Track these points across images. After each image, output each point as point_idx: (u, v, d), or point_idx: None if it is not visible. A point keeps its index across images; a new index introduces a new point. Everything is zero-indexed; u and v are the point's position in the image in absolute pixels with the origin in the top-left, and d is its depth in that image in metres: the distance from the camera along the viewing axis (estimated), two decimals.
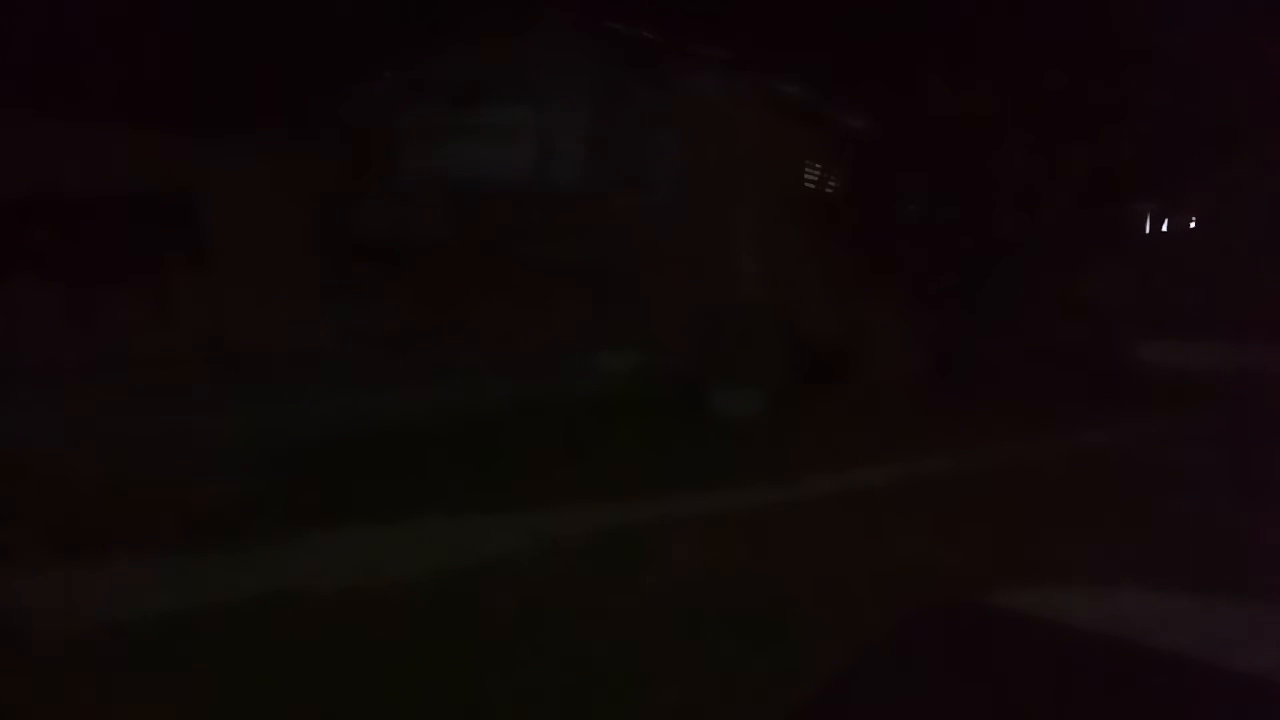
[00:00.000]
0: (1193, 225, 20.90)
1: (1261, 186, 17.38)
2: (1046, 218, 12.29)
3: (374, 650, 4.10)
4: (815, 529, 6.01)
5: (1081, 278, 13.15)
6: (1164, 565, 4.94)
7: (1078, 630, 1.67)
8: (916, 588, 4.68)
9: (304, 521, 5.68)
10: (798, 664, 3.74)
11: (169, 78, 10.92)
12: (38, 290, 9.76)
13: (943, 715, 1.62)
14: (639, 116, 12.04)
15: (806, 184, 13.47)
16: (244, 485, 6.33)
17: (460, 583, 4.94)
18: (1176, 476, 7.31)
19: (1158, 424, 9.76)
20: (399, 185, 12.85)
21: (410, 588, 4.84)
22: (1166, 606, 1.94)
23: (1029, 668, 1.63)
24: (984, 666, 1.67)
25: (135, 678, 3.85)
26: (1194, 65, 12.00)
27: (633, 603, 4.68)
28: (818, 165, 13.53)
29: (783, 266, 11.67)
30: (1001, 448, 8.46)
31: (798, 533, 5.94)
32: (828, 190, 13.76)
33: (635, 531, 5.80)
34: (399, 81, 12.84)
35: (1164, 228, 20.78)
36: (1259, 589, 4.48)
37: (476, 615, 4.55)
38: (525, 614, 4.54)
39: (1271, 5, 12.02)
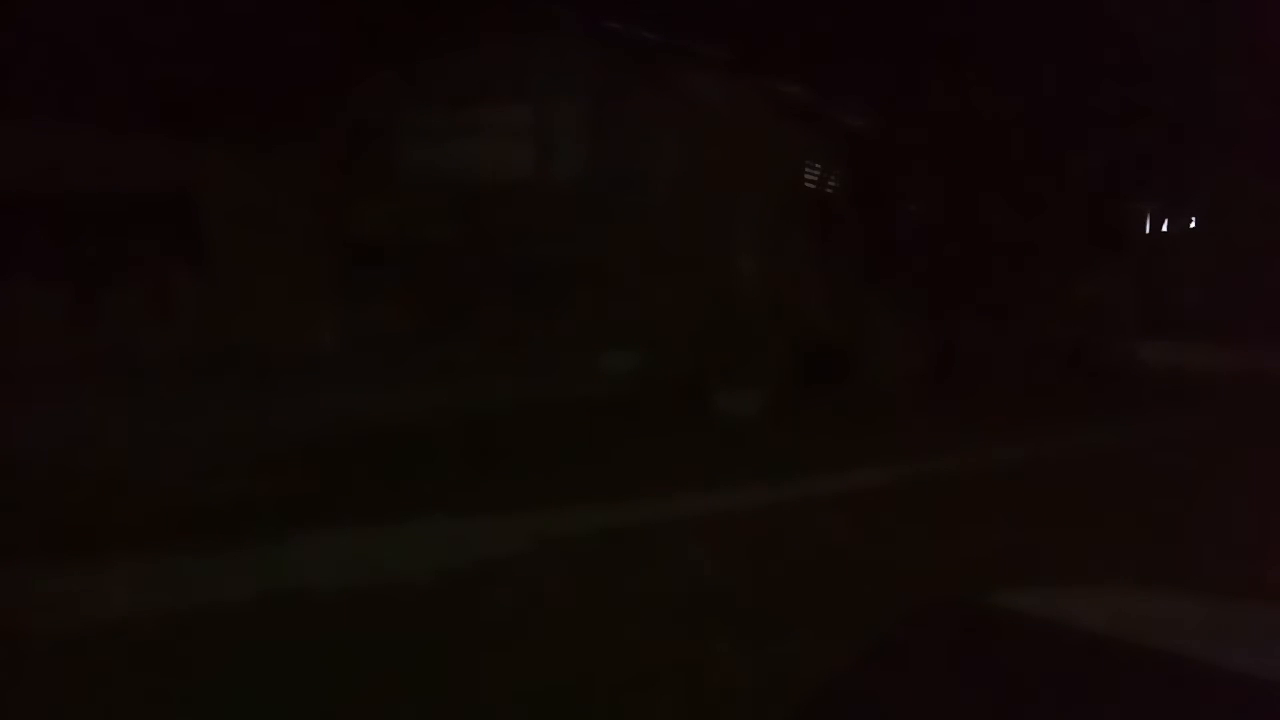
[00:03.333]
0: (1193, 226, 20.91)
1: (1262, 187, 17.38)
2: (1047, 218, 12.29)
3: (374, 650, 4.10)
4: (815, 529, 6.01)
5: (1082, 278, 13.15)
6: (1164, 565, 4.94)
7: (1078, 630, 1.66)
8: (916, 587, 4.68)
9: (304, 521, 5.68)
10: (798, 664, 3.74)
11: (169, 78, 10.91)
12: (38, 290, 9.76)
13: (943, 715, 1.61)
14: (639, 117, 12.04)
15: (807, 184, 13.46)
16: (244, 485, 6.33)
17: (460, 583, 4.94)
18: (1176, 476, 7.30)
19: (1158, 423, 9.76)
20: (399, 185, 12.83)
21: (410, 588, 4.84)
22: (1166, 606, 1.93)
23: (1029, 668, 1.62)
24: (984, 666, 1.66)
25: (135, 678, 3.84)
26: (1194, 66, 12.00)
27: (633, 603, 4.68)
28: (818, 165, 13.53)
29: (783, 267, 11.67)
30: (1001, 448, 8.45)
31: (798, 532, 5.94)
32: (828, 191, 13.76)
33: (635, 531, 5.80)
34: (399, 81, 12.83)
35: (1164, 228, 20.79)
36: (1259, 589, 4.48)
37: (476, 615, 4.54)
38: (525, 614, 4.54)
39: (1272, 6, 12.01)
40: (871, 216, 12.73)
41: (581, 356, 10.45)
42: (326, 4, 11.96)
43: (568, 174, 12.27)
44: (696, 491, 6.74)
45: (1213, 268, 18.28)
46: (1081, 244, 13.04)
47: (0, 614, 4.38)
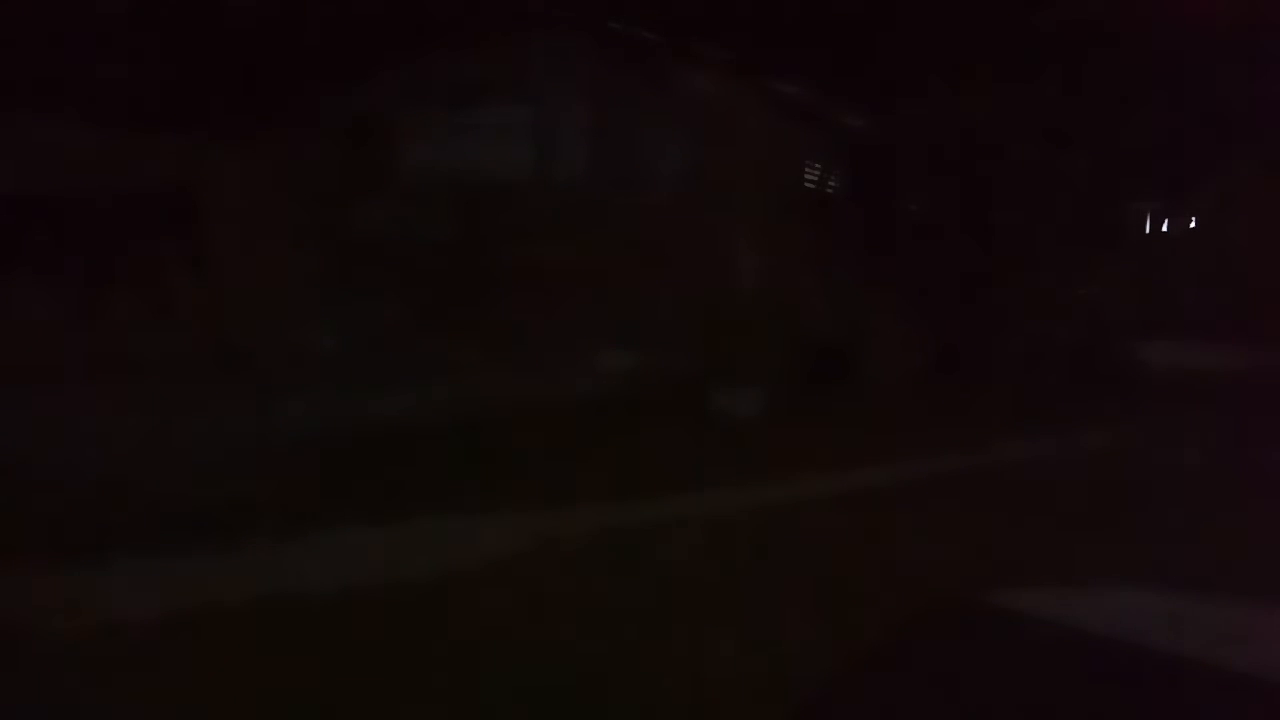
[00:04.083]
0: (1193, 226, 20.90)
1: (1262, 187, 17.37)
2: (1047, 217, 12.29)
3: (374, 650, 4.10)
4: (817, 529, 6.01)
5: (1082, 278, 13.15)
6: (1164, 565, 4.94)
7: (1078, 630, 1.67)
8: (918, 588, 4.68)
9: (304, 521, 5.68)
10: (800, 664, 3.74)
11: (168, 77, 10.90)
12: (38, 290, 9.75)
13: (944, 714, 1.62)
14: (639, 116, 12.04)
15: (807, 184, 13.46)
16: (244, 485, 6.33)
17: (460, 583, 4.94)
18: (1176, 476, 7.31)
19: (1159, 423, 9.76)
20: (399, 185, 12.83)
21: (410, 588, 4.84)
22: (1166, 606, 1.94)
23: (1030, 667, 1.63)
24: (985, 666, 1.67)
25: (134, 678, 3.85)
26: (1194, 66, 12.00)
27: (633, 603, 4.68)
28: (818, 165, 13.53)
29: (783, 266, 11.67)
30: (1002, 447, 8.45)
31: (799, 533, 5.94)
32: (828, 190, 13.76)
33: (635, 531, 5.80)
34: (399, 81, 12.82)
35: (1164, 228, 20.78)
36: (1259, 589, 4.48)
37: (476, 615, 4.54)
38: (525, 614, 4.54)
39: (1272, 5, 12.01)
40: (872, 216, 12.73)
41: (582, 356, 10.44)
42: (327, 4, 11.95)
43: (568, 174, 12.26)
44: (697, 491, 6.75)
45: (1213, 268, 18.26)
46: (1082, 244, 13.05)
47: (3, 613, 4.38)
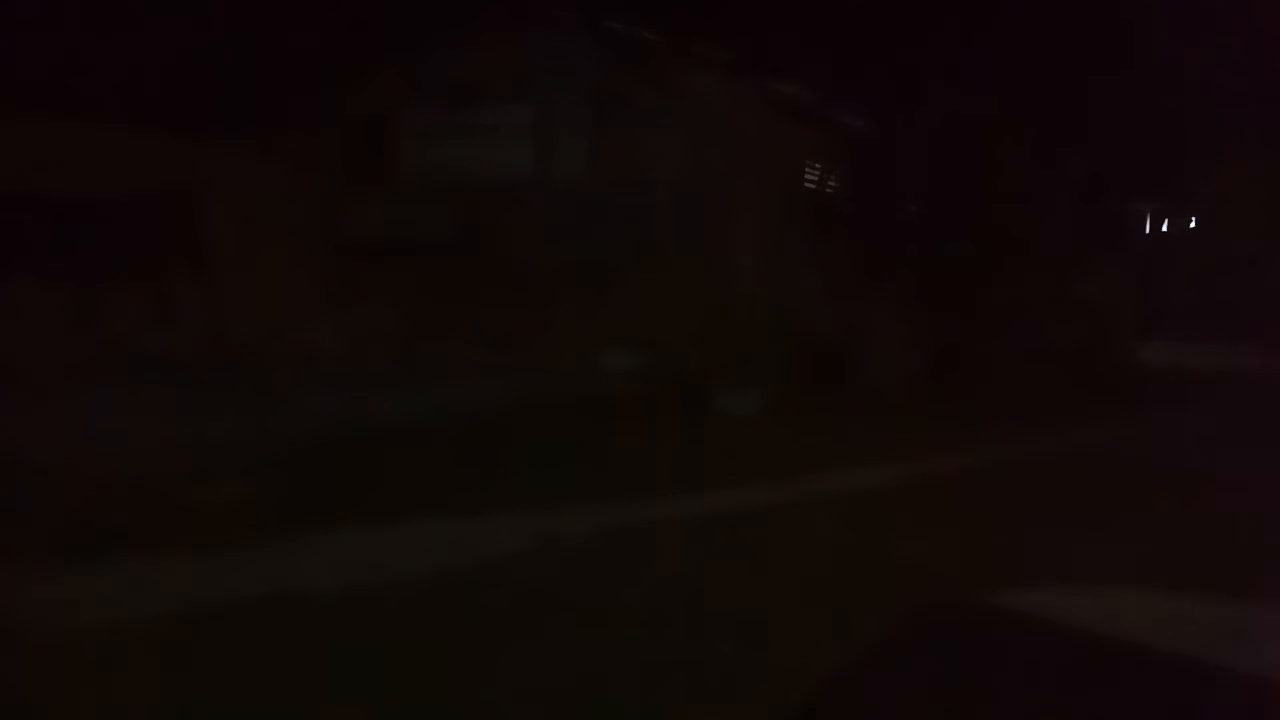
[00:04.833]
0: (1193, 226, 20.91)
1: (1262, 187, 17.38)
2: (1046, 218, 12.30)
3: (374, 650, 4.10)
4: (815, 529, 6.01)
5: (1082, 278, 13.16)
6: (1164, 565, 4.94)
7: (1078, 630, 1.66)
8: (916, 588, 4.68)
9: (304, 521, 5.68)
10: (797, 664, 3.74)
11: (170, 77, 10.91)
12: (38, 290, 9.75)
13: (943, 715, 1.61)
14: (639, 116, 12.04)
15: (806, 184, 13.47)
16: (244, 485, 6.33)
17: (460, 583, 4.94)
18: (1175, 476, 7.31)
19: (1157, 424, 9.76)
20: (399, 185, 12.84)
21: (410, 588, 4.84)
22: (1166, 606, 1.93)
23: (1029, 668, 1.63)
24: (984, 666, 1.66)
25: (135, 678, 3.85)
26: (1195, 66, 12.01)
27: (632, 603, 4.68)
28: (818, 165, 13.53)
29: (783, 267, 11.68)
30: (1000, 449, 8.45)
31: (798, 533, 5.94)
32: (828, 190, 13.76)
33: (635, 531, 5.80)
34: (399, 81, 12.83)
35: (1164, 228, 20.79)
36: (1259, 589, 4.48)
37: (476, 615, 4.55)
38: (525, 614, 4.54)
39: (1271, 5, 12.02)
40: (872, 217, 12.74)
41: (582, 356, 10.45)
42: (327, 3, 11.96)
43: (568, 174, 12.27)
44: (697, 491, 6.75)
45: (1213, 268, 18.28)
46: (1081, 244, 13.05)
47: (3, 613, 4.38)
